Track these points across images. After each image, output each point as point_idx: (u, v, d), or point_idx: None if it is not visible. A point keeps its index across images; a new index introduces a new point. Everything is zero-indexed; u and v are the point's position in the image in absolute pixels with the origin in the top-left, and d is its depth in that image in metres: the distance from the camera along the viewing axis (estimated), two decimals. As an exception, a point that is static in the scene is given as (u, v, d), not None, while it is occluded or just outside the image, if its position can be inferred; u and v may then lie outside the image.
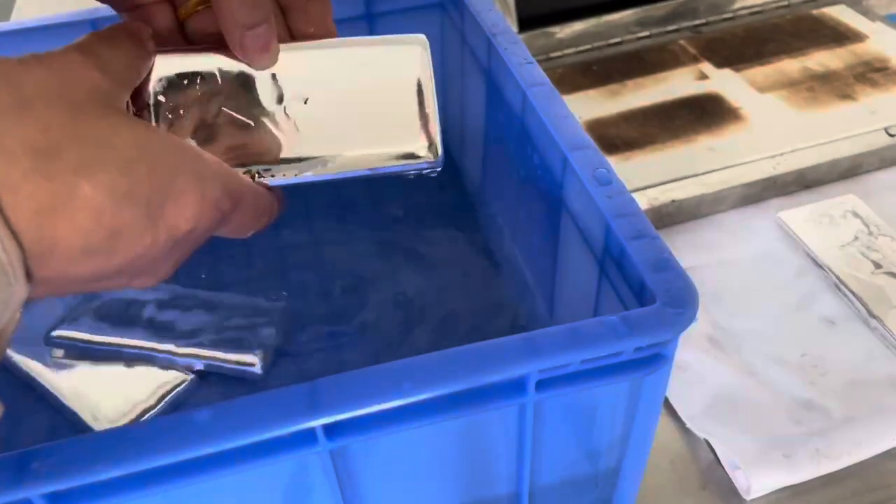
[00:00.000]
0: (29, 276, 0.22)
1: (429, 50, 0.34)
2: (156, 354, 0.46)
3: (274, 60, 0.32)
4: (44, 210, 0.21)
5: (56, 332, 0.46)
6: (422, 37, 0.34)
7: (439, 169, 0.33)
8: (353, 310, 0.50)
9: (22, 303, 0.23)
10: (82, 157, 0.22)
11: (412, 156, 0.32)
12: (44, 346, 0.46)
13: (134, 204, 0.24)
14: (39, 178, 0.21)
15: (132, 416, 0.43)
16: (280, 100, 0.32)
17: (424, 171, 0.33)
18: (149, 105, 0.31)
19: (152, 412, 0.43)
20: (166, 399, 0.44)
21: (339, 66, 0.33)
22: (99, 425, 0.43)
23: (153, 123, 0.31)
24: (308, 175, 0.32)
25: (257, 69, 0.32)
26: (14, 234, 0.21)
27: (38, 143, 0.22)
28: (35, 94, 0.22)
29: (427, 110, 0.33)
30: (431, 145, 0.32)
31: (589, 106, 0.67)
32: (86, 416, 0.43)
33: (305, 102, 0.32)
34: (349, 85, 0.33)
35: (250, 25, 0.31)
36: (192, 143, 0.30)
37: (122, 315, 0.47)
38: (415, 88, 0.33)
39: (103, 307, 0.48)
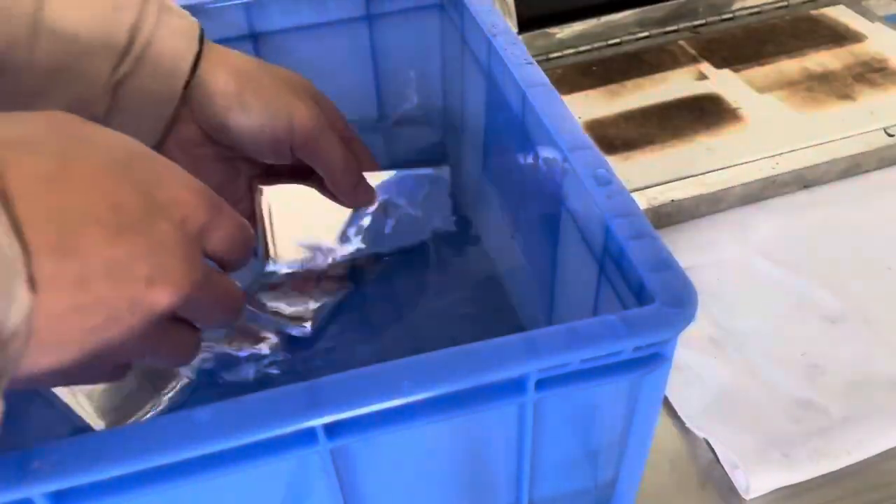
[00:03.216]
0: (32, 282, 0.22)
1: None
2: None
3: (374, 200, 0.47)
4: (50, 177, 0.24)
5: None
6: None
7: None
8: (352, 309, 0.51)
9: (25, 317, 0.22)
10: (79, 148, 0.25)
11: None
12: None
13: (128, 182, 0.26)
14: (43, 158, 0.24)
15: (132, 415, 0.43)
16: None
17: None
18: None
19: (153, 411, 0.43)
20: (167, 398, 0.44)
21: None
22: (99, 425, 0.43)
23: None
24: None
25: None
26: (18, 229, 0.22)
27: (41, 140, 0.25)
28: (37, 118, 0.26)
29: None
30: None
31: (589, 106, 0.67)
32: (86, 416, 0.43)
33: None
34: None
35: (356, 184, 0.45)
36: None
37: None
38: None
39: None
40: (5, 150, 0.23)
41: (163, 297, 0.26)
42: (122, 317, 0.25)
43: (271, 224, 0.45)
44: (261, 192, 0.45)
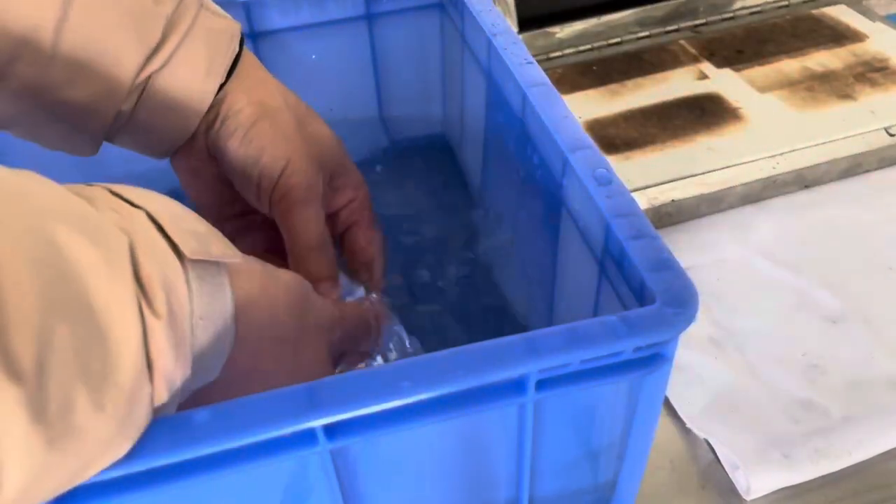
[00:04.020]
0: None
1: None
2: None
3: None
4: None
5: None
6: None
7: None
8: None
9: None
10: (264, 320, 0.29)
11: None
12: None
13: (294, 332, 0.31)
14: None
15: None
16: None
17: None
18: None
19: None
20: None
21: None
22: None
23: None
24: None
25: None
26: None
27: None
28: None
29: None
30: None
31: (589, 106, 0.67)
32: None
33: None
34: None
35: (322, 280, 0.38)
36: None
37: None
38: None
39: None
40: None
41: None
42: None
43: None
44: None
